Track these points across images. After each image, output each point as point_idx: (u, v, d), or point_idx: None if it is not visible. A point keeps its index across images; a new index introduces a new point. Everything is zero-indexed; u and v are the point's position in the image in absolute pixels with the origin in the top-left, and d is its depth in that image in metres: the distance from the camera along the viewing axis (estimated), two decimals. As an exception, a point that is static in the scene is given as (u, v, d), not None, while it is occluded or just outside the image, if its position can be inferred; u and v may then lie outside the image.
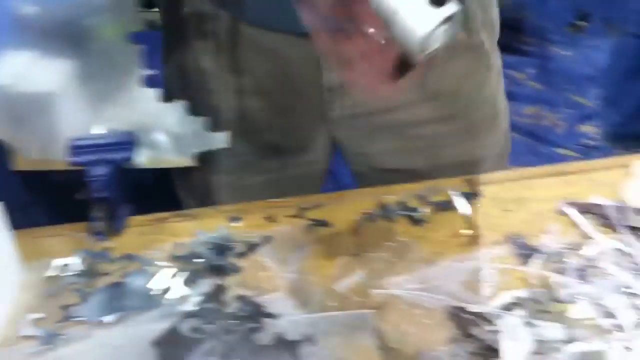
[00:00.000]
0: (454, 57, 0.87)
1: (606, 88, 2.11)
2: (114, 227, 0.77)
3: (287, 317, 0.67)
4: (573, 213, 0.75)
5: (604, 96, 2.14)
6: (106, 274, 0.73)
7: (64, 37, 0.78)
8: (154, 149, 0.81)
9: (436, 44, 0.52)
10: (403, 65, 0.55)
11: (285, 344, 0.64)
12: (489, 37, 0.91)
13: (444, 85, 0.88)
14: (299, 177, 0.95)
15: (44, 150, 0.80)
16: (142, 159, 0.78)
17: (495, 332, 0.63)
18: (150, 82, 0.76)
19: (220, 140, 0.78)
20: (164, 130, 0.82)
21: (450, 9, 0.51)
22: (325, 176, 1.01)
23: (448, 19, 0.51)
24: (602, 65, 2.09)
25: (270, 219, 0.78)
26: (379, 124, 0.91)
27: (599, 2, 2.12)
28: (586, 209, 0.76)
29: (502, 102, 0.98)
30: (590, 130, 2.19)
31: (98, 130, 0.79)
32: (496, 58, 0.95)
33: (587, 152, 2.08)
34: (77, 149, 0.74)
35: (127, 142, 0.76)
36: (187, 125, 0.79)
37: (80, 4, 0.78)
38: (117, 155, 0.75)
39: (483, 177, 0.81)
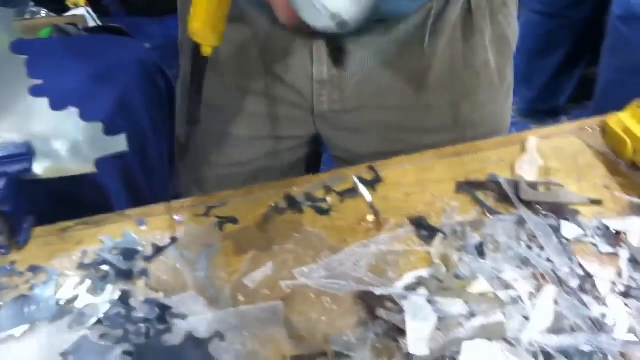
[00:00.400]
0: (454, 74, 0.85)
1: (517, 65, 2.16)
2: (17, 240, 0.76)
3: (197, 316, 0.67)
4: (470, 191, 0.78)
5: (515, 74, 2.19)
6: (13, 287, 0.71)
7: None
8: (52, 158, 0.79)
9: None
10: None
11: (196, 342, 0.64)
12: (499, 54, 0.88)
13: (443, 100, 0.87)
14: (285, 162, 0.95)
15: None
16: (41, 169, 0.77)
17: (401, 312, 0.65)
18: (39, 92, 0.75)
19: (119, 144, 0.77)
20: (60, 138, 0.81)
21: None
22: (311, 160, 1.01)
23: None
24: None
25: (177, 220, 0.78)
26: (369, 122, 0.89)
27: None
28: (483, 187, 0.78)
29: (508, 118, 0.96)
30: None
31: (-5, 142, 0.77)
32: (507, 74, 0.92)
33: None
34: (-30, 163, 0.73)
35: (24, 153, 0.74)
36: (84, 131, 0.78)
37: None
38: (14, 168, 0.73)
39: (384, 163, 0.82)
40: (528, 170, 0.79)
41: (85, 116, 0.80)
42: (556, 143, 0.84)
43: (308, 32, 0.80)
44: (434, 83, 0.85)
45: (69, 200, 1.19)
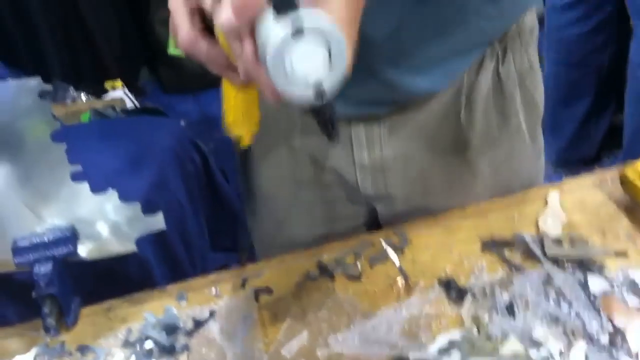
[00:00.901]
0: (491, 142, 0.88)
1: (545, 115, 2.16)
2: (65, 321, 0.79)
3: (238, 387, 0.69)
4: (496, 250, 0.80)
5: (544, 123, 2.18)
6: (63, 367, 0.75)
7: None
8: (95, 240, 0.83)
9: (311, 73, 0.51)
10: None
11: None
12: (529, 116, 0.91)
13: (484, 168, 0.89)
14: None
15: (-9, 255, 0.82)
16: (85, 251, 0.81)
17: (435, 375, 0.66)
18: (80, 177, 0.80)
19: (157, 222, 0.81)
20: (102, 219, 0.85)
21: (297, 20, 0.49)
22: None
23: (297, 32, 0.49)
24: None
25: (215, 293, 0.81)
26: (415, 204, 0.90)
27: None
28: (509, 245, 0.80)
29: (542, 178, 0.98)
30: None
31: (40, 228, 0.82)
32: (537, 135, 0.94)
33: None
34: (20, 249, 0.77)
35: (68, 237, 0.78)
36: (123, 212, 0.83)
37: (9, 109, 0.81)
38: (60, 251, 0.78)
39: (411, 225, 0.85)
40: (552, 225, 0.80)
41: (124, 196, 0.85)
42: (578, 196, 0.85)
43: (345, 118, 0.83)
44: (474, 153, 0.87)
45: (112, 277, 1.24)
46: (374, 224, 0.98)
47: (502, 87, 0.85)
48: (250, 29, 0.53)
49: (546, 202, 0.85)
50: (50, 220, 0.84)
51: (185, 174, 1.67)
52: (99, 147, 1.28)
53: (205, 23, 0.61)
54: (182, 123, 1.81)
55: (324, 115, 0.55)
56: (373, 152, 0.86)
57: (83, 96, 2.67)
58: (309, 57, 0.49)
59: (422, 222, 0.85)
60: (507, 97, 0.86)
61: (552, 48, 2.08)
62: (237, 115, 0.69)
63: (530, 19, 0.87)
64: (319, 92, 0.51)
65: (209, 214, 1.78)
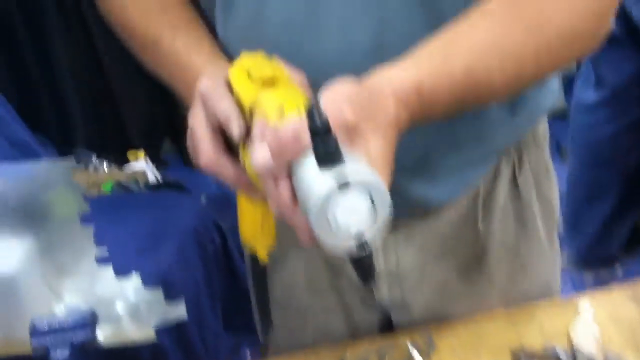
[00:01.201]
0: (509, 249, 0.86)
1: (567, 213, 2.15)
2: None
3: None
4: (528, 361, 0.77)
5: (565, 221, 2.17)
6: None
7: (24, 213, 0.81)
8: (114, 323, 0.82)
9: (356, 223, 0.49)
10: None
11: None
12: (546, 221, 0.89)
13: (501, 276, 0.87)
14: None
15: (7, 333, 0.80)
16: (104, 337, 0.79)
17: None
18: (105, 260, 0.79)
19: (178, 311, 0.80)
20: (122, 300, 0.84)
21: (345, 174, 0.48)
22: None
23: (345, 186, 0.47)
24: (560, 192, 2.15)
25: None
26: (432, 308, 0.88)
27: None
28: (540, 358, 0.77)
29: (558, 283, 0.96)
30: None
31: (59, 307, 0.81)
32: (554, 239, 0.92)
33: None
34: (38, 332, 0.76)
35: (88, 322, 0.77)
36: (145, 297, 0.81)
37: (37, 179, 0.82)
38: (78, 337, 0.76)
39: (437, 327, 0.83)
40: (584, 339, 0.78)
41: (144, 274, 0.84)
42: (611, 308, 0.83)
43: None
44: (491, 262, 0.86)
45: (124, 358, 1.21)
46: (389, 330, 0.96)
47: (519, 193, 0.84)
48: (287, 170, 0.52)
49: (577, 312, 0.82)
50: (68, 299, 0.83)
51: (205, 254, 1.66)
52: (122, 224, 1.28)
53: (226, 140, 0.61)
54: (203, 200, 1.80)
55: (363, 263, 0.53)
56: (389, 260, 0.84)
57: (105, 165, 2.69)
58: (352, 209, 0.48)
59: (448, 325, 0.83)
60: (525, 203, 0.85)
61: (578, 147, 2.08)
62: (256, 229, 0.68)
63: (544, 123, 0.87)
64: (362, 243, 0.50)
65: (224, 293, 1.76)
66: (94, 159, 2.67)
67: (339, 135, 0.49)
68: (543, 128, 0.87)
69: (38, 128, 2.60)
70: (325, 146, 0.47)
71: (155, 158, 2.68)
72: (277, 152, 0.51)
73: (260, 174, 0.53)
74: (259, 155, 0.51)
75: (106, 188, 1.96)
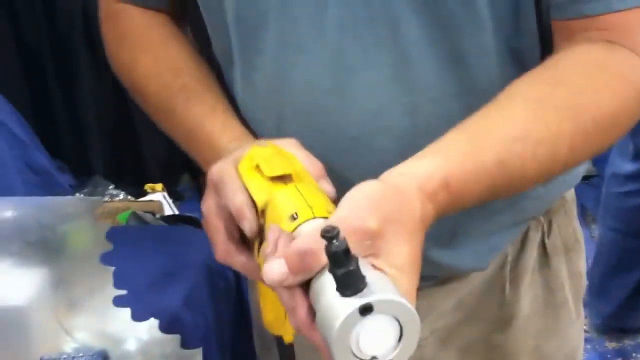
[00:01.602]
0: (537, 318, 0.83)
1: (593, 279, 2.12)
2: None
3: None
4: None
5: (591, 288, 2.14)
6: None
7: (40, 245, 0.78)
8: (125, 364, 0.78)
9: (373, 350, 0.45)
10: None
11: None
12: (574, 289, 0.86)
13: (527, 344, 0.83)
14: None
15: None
16: (113, 380, 0.75)
17: None
18: (123, 302, 0.75)
19: (194, 358, 0.76)
20: (135, 342, 0.80)
21: (365, 297, 0.43)
22: None
23: (366, 310, 0.43)
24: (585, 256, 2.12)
25: None
26: None
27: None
28: None
29: (581, 355, 0.92)
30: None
31: (69, 343, 0.77)
32: (580, 309, 0.89)
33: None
34: (45, 371, 0.72)
35: (98, 362, 0.73)
36: (161, 343, 0.77)
37: (53, 209, 0.79)
38: (87, 377, 0.72)
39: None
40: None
41: (161, 318, 0.80)
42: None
43: None
44: (518, 327, 0.82)
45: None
46: None
47: (548, 260, 0.81)
48: (302, 286, 0.49)
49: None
50: (78, 335, 0.79)
51: (216, 291, 1.62)
52: (138, 262, 1.25)
53: (241, 232, 0.59)
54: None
55: None
56: None
57: (121, 194, 2.68)
58: (377, 333, 0.44)
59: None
60: (553, 271, 0.82)
61: (610, 215, 2.07)
62: (278, 315, 0.63)
63: (572, 190, 0.84)
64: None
65: (233, 331, 1.72)
66: (111, 188, 2.67)
67: (362, 245, 0.46)
68: (571, 193, 0.84)
69: (57, 154, 2.60)
70: (345, 269, 0.43)
71: (172, 192, 2.66)
72: (296, 267, 0.47)
73: (275, 288, 0.50)
74: (274, 268, 0.48)
75: (122, 218, 1.94)
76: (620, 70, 0.61)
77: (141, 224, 1.79)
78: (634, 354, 2.08)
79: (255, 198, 0.56)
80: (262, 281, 0.56)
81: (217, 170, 0.60)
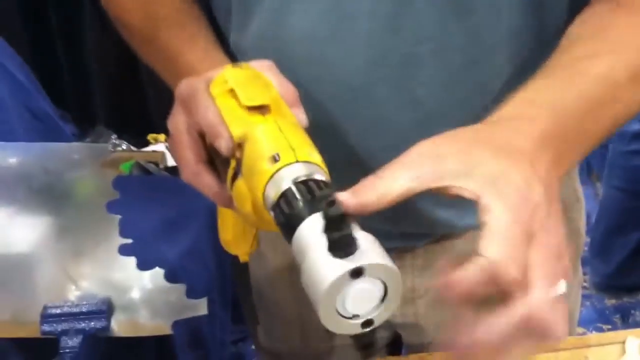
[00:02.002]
0: None
1: (595, 238, 2.12)
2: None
3: None
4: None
5: (592, 247, 2.15)
6: None
7: (44, 190, 0.78)
8: (130, 314, 0.78)
9: (360, 310, 0.45)
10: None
11: None
12: (573, 247, 0.86)
13: None
14: None
15: (18, 314, 0.77)
16: (117, 327, 0.75)
17: None
18: (128, 251, 0.75)
19: (199, 308, 0.75)
20: (138, 287, 0.80)
21: (356, 261, 0.43)
22: None
23: (356, 273, 0.43)
24: (588, 214, 2.11)
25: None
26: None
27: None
28: (581, 393, 0.72)
29: (577, 313, 0.93)
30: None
31: (74, 291, 0.77)
32: (578, 267, 0.89)
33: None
34: (49, 317, 0.71)
35: (103, 310, 0.73)
36: (166, 292, 0.77)
37: (59, 155, 0.78)
38: (92, 325, 0.72)
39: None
40: (630, 377, 0.73)
41: (167, 267, 0.80)
42: (659, 347, 0.78)
43: None
44: None
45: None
46: (397, 349, 0.93)
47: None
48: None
49: (623, 349, 0.77)
50: (83, 284, 0.79)
51: (218, 242, 1.62)
52: (144, 212, 1.24)
53: (209, 154, 0.57)
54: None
55: (365, 339, 0.48)
56: (404, 285, 0.79)
57: (124, 144, 2.66)
58: (363, 295, 0.44)
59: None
60: None
61: (615, 174, 2.06)
62: (237, 234, 0.64)
63: None
64: (367, 323, 0.46)
65: (234, 284, 1.73)
66: (114, 138, 2.65)
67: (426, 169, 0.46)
68: None
69: (60, 103, 2.57)
70: (340, 233, 0.43)
71: (174, 141, 2.65)
72: None
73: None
74: None
75: (124, 168, 1.93)
76: None
77: (145, 174, 1.78)
78: (632, 311, 2.09)
79: (230, 128, 0.53)
80: (228, 206, 0.56)
81: (186, 86, 0.57)
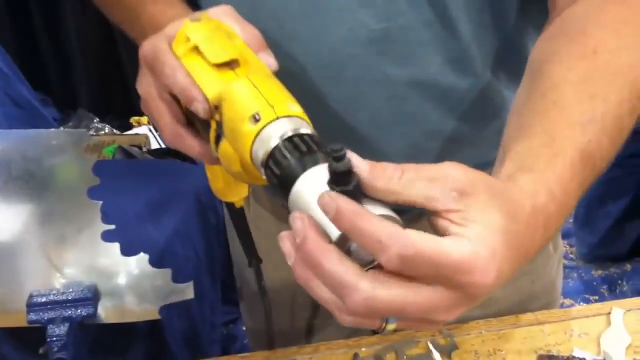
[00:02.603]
0: None
1: (579, 209, 2.14)
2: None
3: None
4: (555, 368, 0.73)
5: (577, 218, 2.16)
6: None
7: (27, 180, 0.77)
8: (116, 299, 0.77)
9: None
10: None
11: None
12: None
13: None
14: None
15: (4, 303, 0.76)
16: (104, 313, 0.74)
17: None
18: (111, 237, 0.74)
19: (186, 292, 0.75)
20: (124, 273, 0.79)
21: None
22: None
23: None
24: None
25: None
26: None
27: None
28: (568, 364, 0.73)
29: (560, 286, 0.93)
30: (565, 249, 2.19)
31: (59, 278, 0.76)
32: (558, 241, 0.89)
33: (566, 274, 2.07)
34: (36, 305, 0.71)
35: (89, 297, 0.72)
36: (152, 276, 0.77)
37: (39, 142, 0.77)
38: (78, 313, 0.71)
39: (459, 327, 0.78)
40: (614, 347, 0.73)
41: (151, 252, 0.79)
42: (644, 317, 0.79)
43: None
44: None
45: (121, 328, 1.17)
46: None
47: None
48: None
49: (609, 320, 0.78)
50: (68, 271, 0.78)
51: (206, 225, 1.62)
52: (127, 196, 1.23)
53: (186, 114, 0.57)
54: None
55: None
56: None
57: (106, 128, 2.64)
58: None
59: (470, 326, 0.78)
60: None
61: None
62: (228, 182, 0.65)
63: None
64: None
65: (223, 266, 1.72)
66: (96, 121, 2.62)
67: (444, 192, 0.43)
68: None
69: (41, 87, 2.54)
70: (343, 187, 0.42)
71: (158, 124, 2.62)
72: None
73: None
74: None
75: (108, 152, 1.91)
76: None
77: (128, 158, 1.76)
78: (619, 281, 2.11)
79: (204, 90, 0.52)
80: (214, 163, 0.55)
81: (149, 47, 0.55)
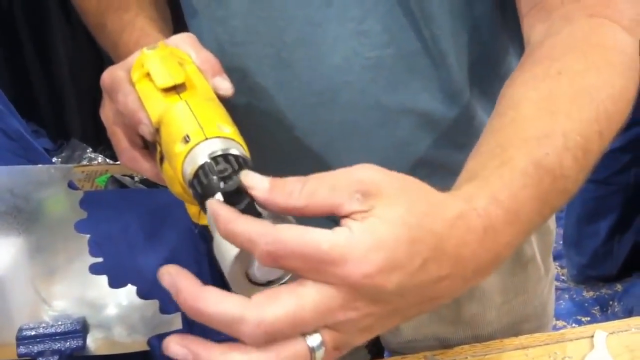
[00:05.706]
0: (504, 275, 0.84)
1: (568, 230, 2.15)
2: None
3: None
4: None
5: (566, 238, 2.17)
6: None
7: (12, 212, 0.78)
8: (105, 331, 0.78)
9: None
10: None
11: None
12: (542, 245, 0.86)
13: (497, 300, 0.85)
14: None
15: (-8, 337, 0.76)
16: (94, 345, 0.75)
17: None
18: (99, 269, 0.75)
19: (174, 323, 0.76)
20: (113, 304, 0.80)
21: None
22: None
23: None
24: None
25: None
26: (423, 334, 0.87)
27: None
28: (552, 388, 0.74)
29: (552, 307, 0.94)
30: (557, 271, 2.20)
31: (47, 312, 0.77)
32: (549, 264, 0.90)
33: (557, 295, 2.07)
34: (25, 339, 0.72)
35: (78, 330, 0.73)
36: (141, 308, 0.77)
37: (26, 178, 0.78)
38: (67, 345, 0.72)
39: (444, 352, 0.79)
40: (599, 370, 0.74)
41: (139, 284, 0.80)
42: (627, 339, 0.79)
43: None
44: (485, 285, 0.84)
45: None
46: (378, 351, 0.95)
47: None
48: None
49: (592, 342, 0.79)
50: (57, 303, 0.79)
51: (197, 253, 1.62)
52: (116, 226, 1.24)
53: (142, 138, 0.59)
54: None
55: None
56: None
57: (99, 157, 2.65)
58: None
59: (457, 350, 0.79)
60: None
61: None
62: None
63: None
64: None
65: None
66: (89, 151, 2.64)
67: (348, 194, 0.41)
68: None
69: (34, 118, 2.55)
70: (239, 206, 0.43)
71: (151, 153, 2.63)
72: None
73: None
74: None
75: (100, 181, 1.92)
76: (611, 43, 0.56)
77: (120, 188, 1.77)
78: (611, 302, 2.12)
79: (150, 113, 0.54)
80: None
81: (107, 75, 0.58)
